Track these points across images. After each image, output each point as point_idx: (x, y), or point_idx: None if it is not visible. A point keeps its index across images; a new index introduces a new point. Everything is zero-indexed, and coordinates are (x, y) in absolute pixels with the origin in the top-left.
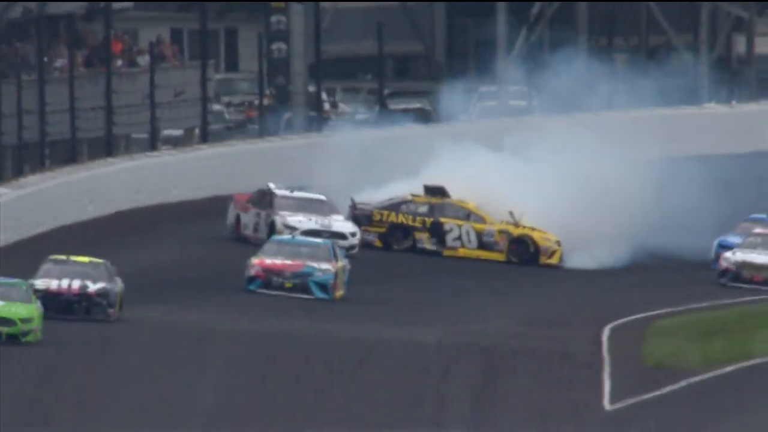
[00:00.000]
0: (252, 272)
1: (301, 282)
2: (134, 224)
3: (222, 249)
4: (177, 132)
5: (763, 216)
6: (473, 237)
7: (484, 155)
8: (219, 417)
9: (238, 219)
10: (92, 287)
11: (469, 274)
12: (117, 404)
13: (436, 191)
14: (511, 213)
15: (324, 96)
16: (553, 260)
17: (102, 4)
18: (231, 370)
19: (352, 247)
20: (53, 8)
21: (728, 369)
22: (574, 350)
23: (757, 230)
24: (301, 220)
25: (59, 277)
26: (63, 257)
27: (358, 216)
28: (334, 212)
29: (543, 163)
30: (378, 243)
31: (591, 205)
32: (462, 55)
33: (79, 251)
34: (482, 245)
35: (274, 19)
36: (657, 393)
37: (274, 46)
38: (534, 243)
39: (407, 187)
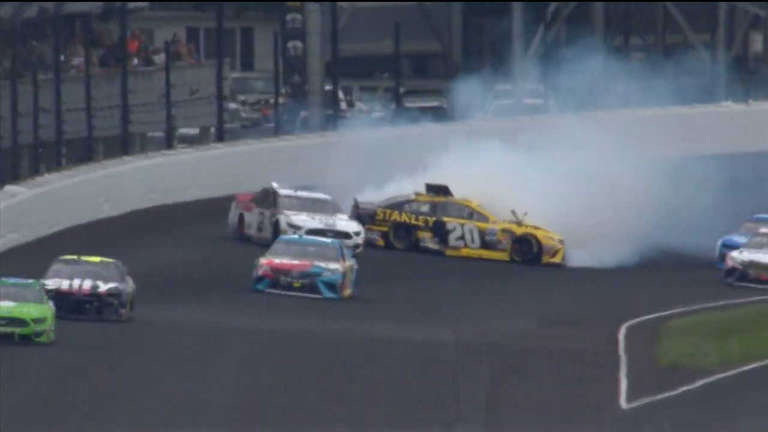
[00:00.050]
0: (260, 272)
1: (310, 282)
2: (149, 223)
3: (233, 249)
4: (193, 130)
5: (767, 216)
6: (476, 236)
7: (490, 153)
8: (233, 416)
9: (241, 218)
10: (103, 287)
11: (476, 274)
12: (131, 404)
13: (438, 190)
14: (513, 212)
15: (341, 95)
16: (556, 259)
17: (118, 3)
18: (244, 369)
19: (356, 246)
20: (69, 8)
21: (744, 369)
22: (589, 349)
23: (763, 230)
24: (305, 220)
25: (70, 277)
26: (73, 257)
27: (361, 215)
28: (338, 211)
29: (550, 161)
30: (381, 242)
31: (596, 204)
32: (478, 54)
33: (95, 250)
34: (485, 244)
35: (289, 17)
36: (673, 392)
37: (290, 45)
38: (537, 242)
39: (411, 186)
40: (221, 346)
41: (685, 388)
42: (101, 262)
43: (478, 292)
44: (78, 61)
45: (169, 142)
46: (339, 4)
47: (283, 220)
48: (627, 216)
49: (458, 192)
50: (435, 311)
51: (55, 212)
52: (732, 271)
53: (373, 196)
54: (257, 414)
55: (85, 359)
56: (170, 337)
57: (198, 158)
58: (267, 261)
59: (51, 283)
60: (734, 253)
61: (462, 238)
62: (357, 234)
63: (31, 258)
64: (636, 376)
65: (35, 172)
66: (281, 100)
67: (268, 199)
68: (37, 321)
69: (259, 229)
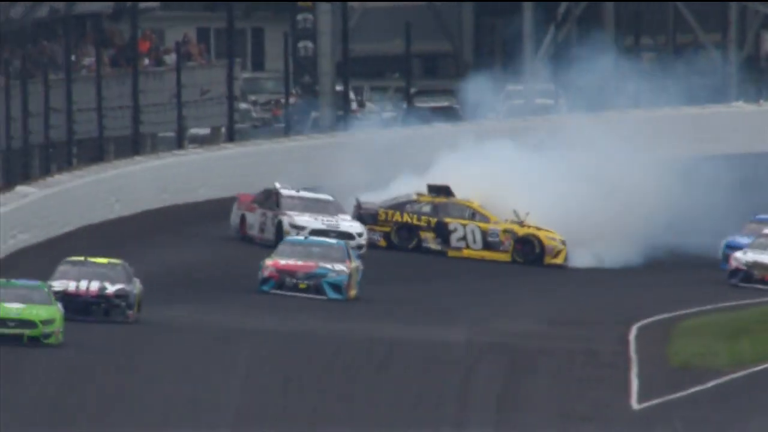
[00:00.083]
0: (266, 273)
1: (315, 283)
2: (160, 223)
3: (242, 250)
4: (203, 131)
5: None
6: (478, 237)
7: (497, 153)
8: (244, 417)
9: (242, 219)
10: (111, 288)
11: (480, 275)
12: (139, 405)
13: (440, 190)
14: (515, 212)
15: (351, 95)
16: (559, 260)
17: (129, 3)
18: (252, 370)
19: (359, 247)
20: (80, 8)
21: (755, 369)
22: (600, 350)
23: (767, 230)
24: (308, 220)
25: (77, 279)
26: (80, 258)
27: (363, 216)
28: (340, 212)
29: (558, 161)
30: (383, 242)
31: (600, 204)
32: (490, 54)
33: (106, 250)
34: (487, 245)
35: (300, 17)
36: (684, 393)
37: (301, 45)
38: (540, 243)
39: (413, 186)
40: (231, 347)
41: (696, 389)
42: (108, 263)
43: (485, 292)
44: (89, 61)
45: (179, 142)
46: (350, 3)
47: (285, 220)
48: (633, 216)
49: (463, 191)
50: (443, 312)
51: (66, 212)
52: (736, 271)
53: (383, 196)
54: (266, 415)
55: (93, 361)
56: (178, 339)
57: (209, 158)
58: (273, 262)
59: (58, 285)
60: (738, 254)
61: (464, 238)
62: (360, 235)
63: (42, 258)
64: (647, 376)
65: (46, 172)
66: (292, 100)
67: (270, 199)
68: (46, 323)
69: (262, 229)
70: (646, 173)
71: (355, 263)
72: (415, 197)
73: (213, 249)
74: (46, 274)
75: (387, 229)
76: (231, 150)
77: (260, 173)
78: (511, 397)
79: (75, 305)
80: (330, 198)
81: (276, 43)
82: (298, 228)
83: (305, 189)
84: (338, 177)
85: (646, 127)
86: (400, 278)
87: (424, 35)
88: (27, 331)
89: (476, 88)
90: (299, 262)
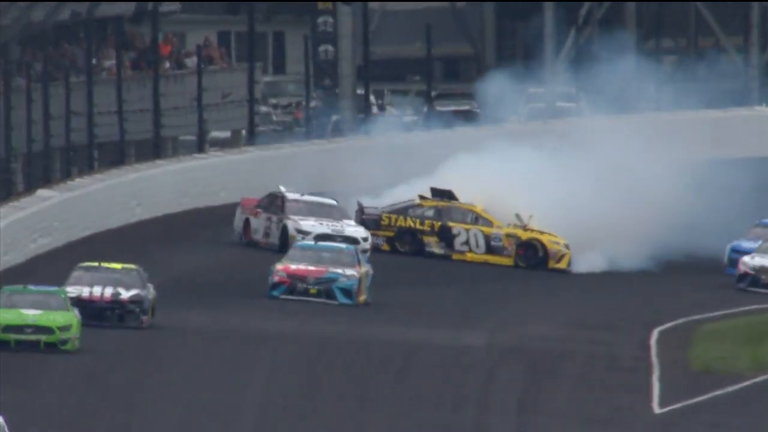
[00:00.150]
0: (276, 278)
1: (326, 288)
2: (180, 227)
3: (249, 254)
4: (224, 134)
5: None
6: (481, 241)
7: (510, 156)
8: (265, 422)
9: (246, 223)
10: (125, 294)
11: (486, 278)
12: (160, 411)
13: (443, 194)
14: (518, 215)
15: (372, 98)
16: (562, 264)
17: (150, 5)
18: (268, 375)
19: (364, 252)
20: (102, 11)
21: None
22: (621, 354)
23: None
24: (313, 225)
25: (91, 285)
26: (94, 264)
27: (366, 220)
28: (345, 217)
29: (567, 164)
30: (386, 247)
31: (611, 207)
32: (511, 57)
33: (126, 254)
34: (490, 249)
35: (321, 20)
36: (705, 397)
37: (321, 48)
38: (543, 247)
39: (418, 189)
40: (247, 352)
41: (717, 393)
42: (122, 268)
43: (499, 296)
44: (110, 64)
45: (200, 145)
46: (370, 5)
47: (291, 225)
48: (646, 220)
49: (469, 195)
50: (460, 316)
51: (86, 216)
52: (744, 276)
53: (386, 200)
54: (286, 419)
55: (111, 367)
56: (194, 344)
57: (229, 162)
58: (283, 267)
59: (72, 290)
60: (746, 259)
61: (467, 242)
62: (365, 240)
63: (62, 262)
64: (668, 380)
65: (67, 175)
66: (313, 103)
67: (275, 203)
68: (63, 329)
69: (266, 234)
70: (661, 177)
71: (365, 268)
72: (417, 201)
73: (224, 254)
74: (65, 279)
75: (390, 233)
76: (252, 153)
77: (281, 177)
78: (531, 401)
79: (89, 311)
80: (334, 202)
81: (297, 46)
82: (304, 233)
83: (310, 193)
84: (359, 180)
85: (665, 130)
86: (405, 282)
87: (445, 38)
88: (44, 338)
89: (495, 90)
90: (310, 267)
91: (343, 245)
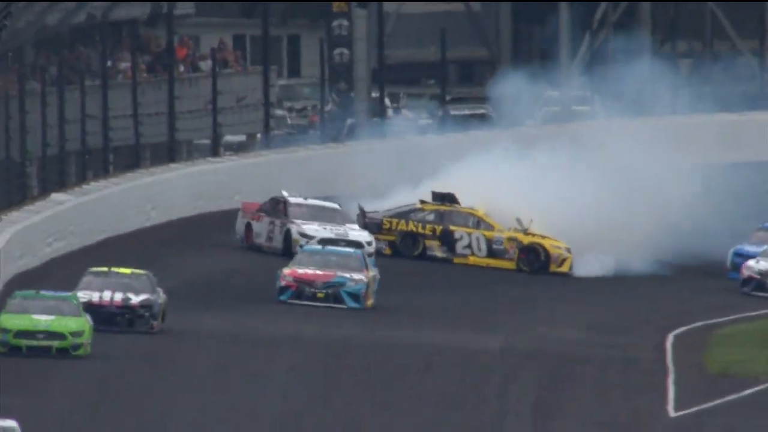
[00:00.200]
0: (284, 282)
1: (333, 292)
2: (195, 231)
3: (253, 258)
4: (239, 138)
5: None
6: (483, 245)
7: (504, 161)
8: (282, 426)
9: (248, 227)
10: (135, 299)
11: (491, 281)
12: (174, 416)
13: (445, 198)
14: (518, 219)
15: (387, 101)
16: (564, 268)
17: (165, 8)
18: (277, 379)
19: (369, 255)
20: (117, 14)
21: None
22: (637, 357)
23: None
24: (317, 229)
25: (101, 289)
26: (104, 269)
27: (368, 224)
28: (347, 221)
29: (571, 168)
30: (388, 251)
31: (617, 211)
32: (527, 61)
33: (141, 258)
34: (492, 253)
35: (336, 23)
36: (721, 401)
37: (336, 52)
38: (545, 251)
39: (421, 194)
40: (261, 355)
41: (733, 396)
42: (132, 273)
43: (508, 300)
44: (125, 67)
45: (215, 149)
46: (384, 9)
47: (294, 229)
48: (653, 223)
49: (471, 199)
50: (474, 319)
51: (101, 220)
52: (749, 280)
53: (386, 204)
54: (303, 423)
55: (123, 372)
56: (206, 348)
57: (244, 165)
58: (290, 271)
59: (82, 295)
60: (751, 263)
61: (469, 246)
62: (369, 244)
63: (77, 266)
64: (684, 384)
65: (82, 179)
66: (327, 107)
67: (277, 208)
68: (75, 334)
69: (269, 238)
70: (671, 180)
71: (373, 272)
72: (419, 205)
73: (236, 258)
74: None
75: (392, 237)
76: (267, 157)
77: (296, 180)
78: (547, 404)
79: (99, 316)
80: (337, 206)
81: (312, 49)
82: (307, 237)
83: (312, 197)
84: (376, 185)
85: (680, 133)
86: (408, 286)
87: (461, 41)
88: (56, 343)
89: (510, 93)
90: (317, 272)
91: (350, 249)
